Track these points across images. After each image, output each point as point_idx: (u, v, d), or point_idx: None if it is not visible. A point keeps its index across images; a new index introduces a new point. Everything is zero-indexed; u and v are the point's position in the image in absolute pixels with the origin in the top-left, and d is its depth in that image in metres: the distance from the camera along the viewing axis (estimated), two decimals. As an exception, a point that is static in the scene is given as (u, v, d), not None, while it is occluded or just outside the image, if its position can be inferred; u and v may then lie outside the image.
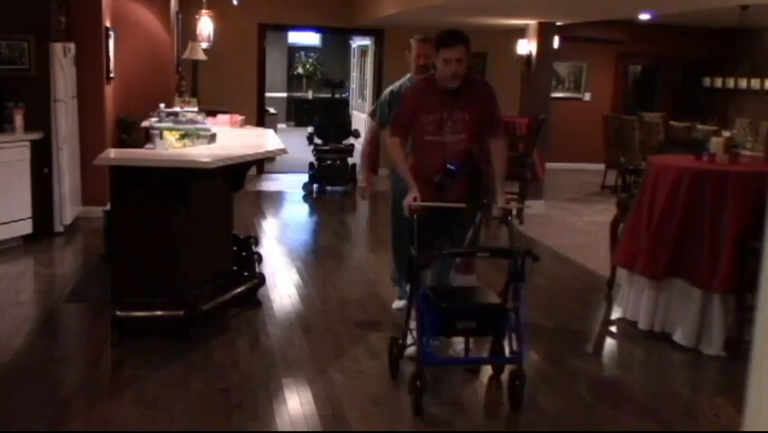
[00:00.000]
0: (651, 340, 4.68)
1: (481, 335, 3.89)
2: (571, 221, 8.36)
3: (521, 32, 9.30)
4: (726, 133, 8.63)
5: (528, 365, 3.70)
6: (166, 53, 8.46)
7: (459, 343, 4.17)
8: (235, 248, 5.38)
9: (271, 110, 13.37)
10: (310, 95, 17.29)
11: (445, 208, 3.85)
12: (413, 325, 3.75)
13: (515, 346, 3.62)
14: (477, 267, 4.85)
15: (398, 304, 4.83)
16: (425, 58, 4.57)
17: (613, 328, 5.09)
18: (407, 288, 4.27)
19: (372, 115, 4.96)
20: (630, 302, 4.95)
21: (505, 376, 3.77)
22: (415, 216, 3.74)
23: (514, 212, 3.98)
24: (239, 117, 6.87)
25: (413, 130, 3.99)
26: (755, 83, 11.26)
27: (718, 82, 11.99)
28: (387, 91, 4.85)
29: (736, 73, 11.51)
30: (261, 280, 5.17)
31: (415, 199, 3.79)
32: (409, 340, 3.88)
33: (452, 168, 3.86)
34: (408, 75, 4.79)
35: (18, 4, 6.44)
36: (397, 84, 4.82)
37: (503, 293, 3.77)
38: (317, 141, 9.86)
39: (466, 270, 4.16)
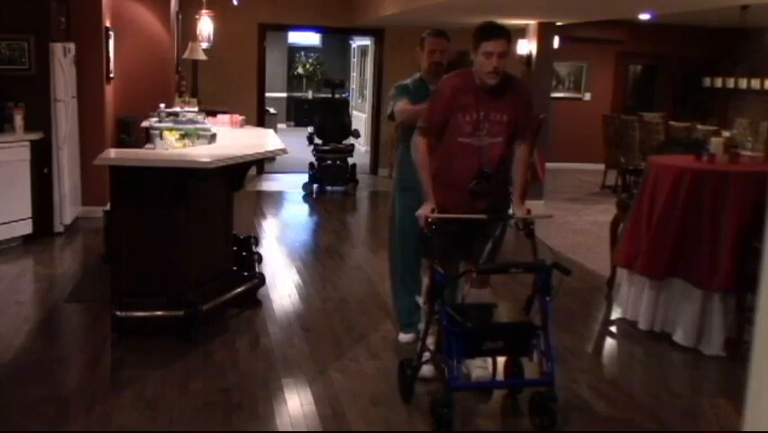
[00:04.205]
0: (651, 340, 4.68)
1: (509, 355, 3.61)
2: (571, 221, 8.36)
3: (521, 32, 9.30)
4: (726, 133, 8.66)
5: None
6: (166, 53, 8.46)
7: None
8: (235, 248, 5.38)
9: (271, 110, 13.36)
10: (310, 95, 17.29)
11: (466, 220, 3.56)
12: (429, 346, 3.58)
13: (545, 367, 3.36)
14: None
15: (405, 337, 4.39)
16: (439, 53, 4.14)
17: (613, 328, 5.08)
18: (422, 310, 4.03)
19: (391, 117, 4.27)
20: (630, 302, 4.95)
21: (523, 396, 3.61)
22: (433, 226, 3.47)
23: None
24: (239, 117, 6.87)
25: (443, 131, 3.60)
26: (755, 83, 11.25)
27: (718, 82, 11.98)
28: (395, 88, 4.25)
29: (735, 73, 11.51)
30: (261, 280, 5.17)
31: (432, 211, 3.50)
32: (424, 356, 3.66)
33: (489, 172, 3.54)
34: (418, 74, 4.24)
35: (18, 4, 6.44)
36: (408, 80, 4.27)
37: (526, 309, 3.54)
38: (317, 141, 9.86)
39: (483, 284, 3.81)
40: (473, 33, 3.53)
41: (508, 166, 3.68)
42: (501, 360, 3.73)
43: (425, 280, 3.90)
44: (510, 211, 3.70)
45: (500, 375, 3.72)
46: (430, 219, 3.48)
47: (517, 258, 3.84)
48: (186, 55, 8.92)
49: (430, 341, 3.63)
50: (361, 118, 13.49)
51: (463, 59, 3.92)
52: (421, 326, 3.88)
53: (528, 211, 3.61)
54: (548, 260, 3.48)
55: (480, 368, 3.80)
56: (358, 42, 14.64)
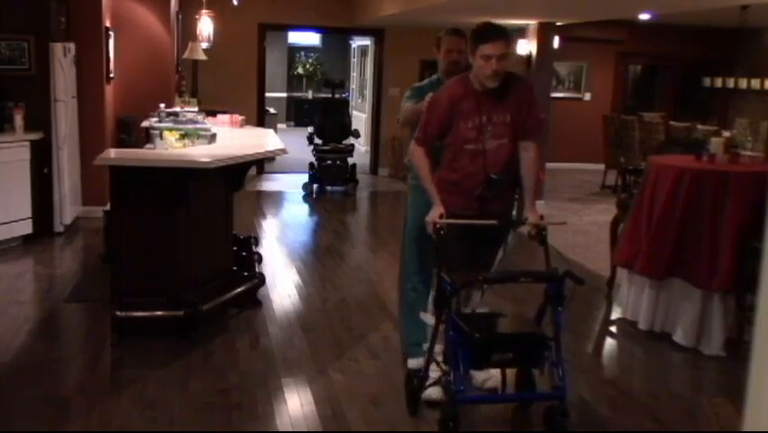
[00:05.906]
0: (651, 340, 4.68)
1: (519, 366, 3.45)
2: (571, 221, 8.34)
3: (521, 32, 9.30)
4: (726, 133, 8.65)
5: (539, 377, 3.48)
6: (166, 53, 8.46)
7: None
8: (235, 248, 5.38)
9: (271, 110, 13.37)
10: (310, 95, 17.29)
11: (476, 226, 3.42)
12: (438, 358, 3.42)
13: (557, 380, 3.19)
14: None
15: (414, 363, 3.87)
16: (457, 53, 3.95)
17: (613, 328, 5.09)
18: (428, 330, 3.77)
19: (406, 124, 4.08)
20: (630, 302, 4.95)
21: (534, 408, 3.50)
22: (441, 231, 3.33)
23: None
24: (239, 117, 6.87)
25: (446, 139, 3.49)
26: (755, 83, 11.25)
27: (718, 82, 11.98)
28: (409, 90, 4.14)
29: (735, 73, 11.50)
30: (261, 280, 5.17)
31: (441, 216, 3.36)
32: (432, 378, 3.48)
33: (495, 177, 3.43)
34: (436, 76, 4.08)
35: (18, 4, 6.44)
36: (425, 82, 4.17)
37: (538, 319, 3.36)
38: (317, 141, 9.86)
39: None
40: (470, 36, 3.41)
41: (516, 168, 3.54)
42: (511, 371, 3.57)
43: (433, 293, 3.64)
44: (514, 214, 3.59)
45: (510, 386, 3.56)
46: (438, 224, 3.35)
47: (526, 266, 3.71)
48: (186, 55, 8.92)
49: (437, 351, 3.47)
50: (361, 118, 13.49)
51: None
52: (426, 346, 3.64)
53: (541, 217, 3.48)
54: (560, 268, 3.30)
55: (489, 380, 3.69)
56: (358, 42, 14.63)
